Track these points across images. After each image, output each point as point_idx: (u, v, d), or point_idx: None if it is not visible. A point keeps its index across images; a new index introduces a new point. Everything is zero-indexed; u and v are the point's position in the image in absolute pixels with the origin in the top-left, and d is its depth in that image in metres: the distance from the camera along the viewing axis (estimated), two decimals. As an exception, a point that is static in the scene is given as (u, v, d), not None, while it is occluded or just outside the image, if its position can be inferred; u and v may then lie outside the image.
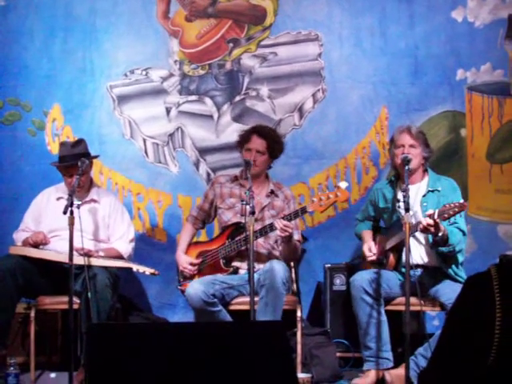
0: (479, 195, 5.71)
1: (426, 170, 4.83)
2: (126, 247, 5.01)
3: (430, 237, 4.54)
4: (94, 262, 4.70)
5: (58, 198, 4.99)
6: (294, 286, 5.00)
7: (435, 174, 4.85)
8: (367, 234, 4.96)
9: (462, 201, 4.43)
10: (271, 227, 4.68)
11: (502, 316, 1.88)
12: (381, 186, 4.98)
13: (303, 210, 4.60)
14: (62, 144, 5.08)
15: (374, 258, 4.80)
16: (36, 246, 4.81)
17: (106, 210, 5.04)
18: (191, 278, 4.93)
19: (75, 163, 4.74)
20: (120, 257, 4.94)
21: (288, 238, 4.69)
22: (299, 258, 5.32)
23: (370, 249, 4.83)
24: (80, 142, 4.99)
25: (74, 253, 4.40)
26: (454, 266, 4.65)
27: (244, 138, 5.00)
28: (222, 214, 5.00)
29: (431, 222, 4.31)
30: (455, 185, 4.81)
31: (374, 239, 4.91)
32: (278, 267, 4.59)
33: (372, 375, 4.61)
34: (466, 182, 5.67)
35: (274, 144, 4.98)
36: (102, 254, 4.82)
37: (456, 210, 4.32)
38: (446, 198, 4.61)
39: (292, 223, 4.65)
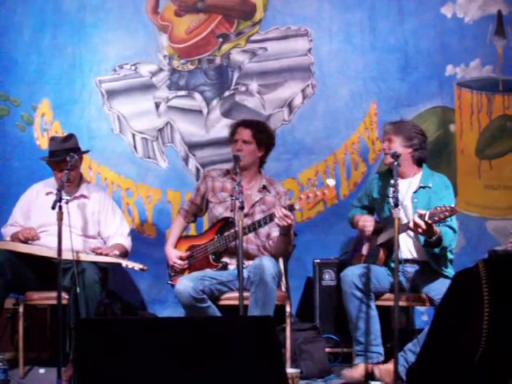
0: (468, 191, 5.73)
1: (420, 166, 4.81)
2: (128, 242, 5.04)
3: (422, 238, 4.54)
4: (83, 257, 4.69)
5: (48, 193, 4.97)
6: (284, 281, 5.00)
7: (429, 170, 4.81)
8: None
9: (453, 205, 4.41)
10: (261, 222, 4.66)
11: (490, 311, 1.88)
12: (378, 177, 4.96)
13: (291, 208, 4.55)
14: (52, 139, 5.05)
15: (371, 230, 4.76)
16: (26, 241, 4.79)
17: (95, 206, 5.03)
18: (182, 272, 4.93)
19: (65, 158, 4.73)
20: (126, 252, 4.95)
21: (287, 229, 4.62)
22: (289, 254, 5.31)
23: (366, 219, 4.80)
24: (70, 136, 4.98)
25: (63, 247, 4.38)
26: (443, 262, 4.65)
27: (231, 132, 5.01)
28: (212, 208, 4.98)
29: (421, 223, 4.29)
30: (448, 182, 4.78)
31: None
32: (267, 263, 4.57)
33: (361, 368, 4.61)
34: (455, 177, 5.68)
35: (259, 132, 4.93)
36: (117, 252, 4.80)
37: (447, 214, 4.29)
38: (436, 196, 4.60)
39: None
